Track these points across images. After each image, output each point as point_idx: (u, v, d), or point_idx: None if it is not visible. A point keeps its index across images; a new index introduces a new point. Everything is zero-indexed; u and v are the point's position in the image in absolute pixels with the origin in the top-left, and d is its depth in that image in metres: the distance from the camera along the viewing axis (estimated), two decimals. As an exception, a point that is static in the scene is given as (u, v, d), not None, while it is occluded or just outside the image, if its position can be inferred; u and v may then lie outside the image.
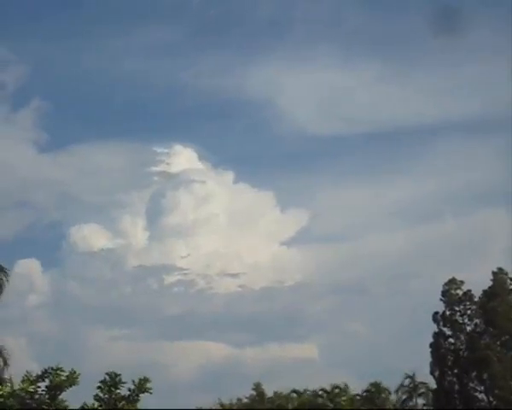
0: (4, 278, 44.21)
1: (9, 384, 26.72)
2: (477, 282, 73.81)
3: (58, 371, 25.32)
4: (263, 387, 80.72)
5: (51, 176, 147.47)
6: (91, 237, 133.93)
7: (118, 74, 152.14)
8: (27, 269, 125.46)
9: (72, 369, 25.33)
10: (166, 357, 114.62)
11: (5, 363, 42.50)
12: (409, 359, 77.89)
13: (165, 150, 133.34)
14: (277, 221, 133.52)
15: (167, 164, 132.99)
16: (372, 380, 77.46)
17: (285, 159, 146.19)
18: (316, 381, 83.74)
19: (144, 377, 24.81)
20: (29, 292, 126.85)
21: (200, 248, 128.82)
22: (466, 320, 73.69)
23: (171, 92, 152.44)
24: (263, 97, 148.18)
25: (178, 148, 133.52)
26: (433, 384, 75.46)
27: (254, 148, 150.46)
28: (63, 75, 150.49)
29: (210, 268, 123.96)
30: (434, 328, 74.17)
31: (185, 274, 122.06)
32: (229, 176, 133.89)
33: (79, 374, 25.49)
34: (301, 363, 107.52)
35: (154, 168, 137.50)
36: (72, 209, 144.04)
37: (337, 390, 77.95)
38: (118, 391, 24.71)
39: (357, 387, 78.79)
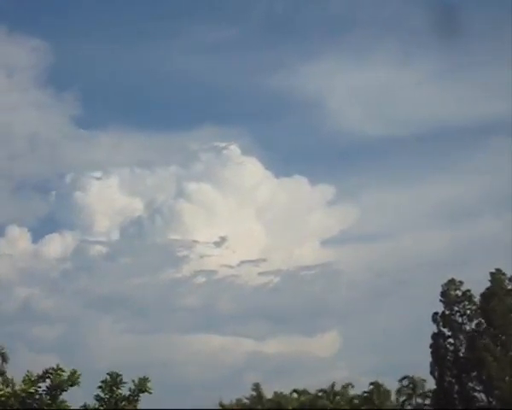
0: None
1: (11, 384, 26.87)
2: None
3: (59, 372, 25.48)
4: (278, 384, 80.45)
5: (86, 155, 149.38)
6: (116, 212, 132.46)
7: (171, 71, 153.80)
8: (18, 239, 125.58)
9: (73, 369, 25.49)
10: (180, 352, 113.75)
11: (4, 360, 42.60)
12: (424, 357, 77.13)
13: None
14: (320, 218, 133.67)
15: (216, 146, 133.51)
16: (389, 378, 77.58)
17: (333, 158, 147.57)
18: (333, 377, 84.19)
19: (144, 377, 24.98)
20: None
21: (234, 236, 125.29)
22: (465, 320, 73.94)
23: (220, 90, 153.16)
24: (314, 96, 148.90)
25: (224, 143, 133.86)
26: (432, 384, 75.69)
27: (303, 146, 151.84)
28: (115, 70, 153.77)
29: (239, 258, 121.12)
30: (433, 328, 74.55)
31: (209, 262, 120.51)
32: (275, 170, 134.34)
33: (80, 375, 25.64)
34: (319, 358, 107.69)
35: (200, 146, 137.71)
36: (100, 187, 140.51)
37: (337, 390, 78.28)
38: (119, 391, 24.88)
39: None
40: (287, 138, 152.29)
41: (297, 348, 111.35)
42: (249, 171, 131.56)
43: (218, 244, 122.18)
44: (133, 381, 24.78)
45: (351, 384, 78.28)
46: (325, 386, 77.94)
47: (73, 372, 25.07)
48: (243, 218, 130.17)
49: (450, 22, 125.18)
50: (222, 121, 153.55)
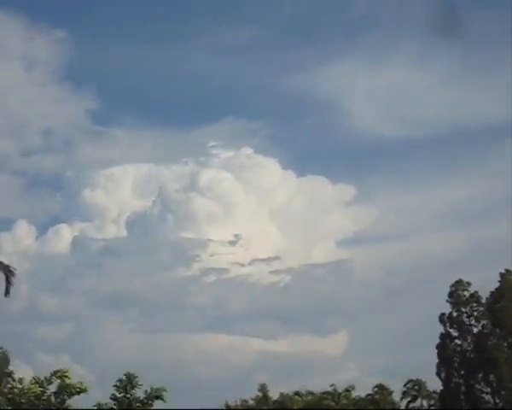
0: (12, 278, 43.72)
1: (20, 385, 26.80)
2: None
3: (65, 374, 25.46)
4: (288, 384, 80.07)
5: (101, 152, 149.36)
6: (129, 209, 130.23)
7: (190, 71, 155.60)
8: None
9: (80, 382, 25.53)
10: (189, 352, 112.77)
11: (7, 362, 42.08)
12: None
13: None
14: (337, 219, 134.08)
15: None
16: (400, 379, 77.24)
17: (350, 159, 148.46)
18: (343, 377, 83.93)
19: (163, 387, 25.12)
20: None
21: (249, 235, 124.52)
22: (473, 321, 73.57)
23: (239, 90, 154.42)
24: (332, 97, 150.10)
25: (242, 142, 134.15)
26: (439, 386, 75.40)
27: (320, 146, 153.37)
28: (134, 67, 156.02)
29: (252, 257, 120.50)
30: (436, 330, 74.27)
31: (221, 260, 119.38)
32: (293, 170, 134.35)
33: (87, 387, 25.73)
34: (330, 357, 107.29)
35: (217, 144, 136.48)
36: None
37: (341, 392, 78.01)
38: (134, 392, 24.88)
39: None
40: (304, 138, 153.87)
41: (307, 347, 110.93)
42: (266, 170, 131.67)
43: (232, 243, 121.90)
44: (151, 388, 24.76)
45: (352, 387, 78.00)
46: (332, 387, 77.60)
47: (81, 384, 25.11)
48: (259, 217, 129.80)
49: (465, 24, 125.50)
50: (239, 121, 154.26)
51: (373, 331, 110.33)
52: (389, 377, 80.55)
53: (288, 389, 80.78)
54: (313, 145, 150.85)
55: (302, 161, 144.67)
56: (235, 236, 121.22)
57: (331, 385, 77.69)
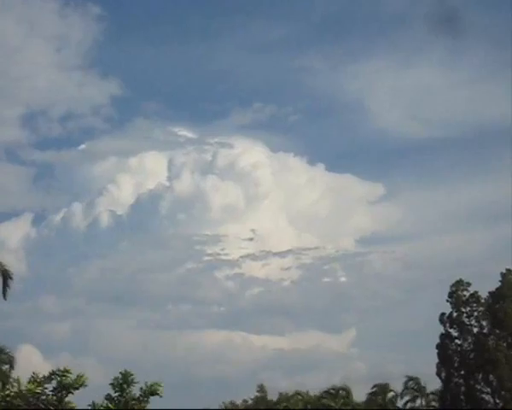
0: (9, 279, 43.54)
1: (16, 384, 26.39)
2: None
3: (65, 373, 25.01)
4: (296, 381, 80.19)
5: (120, 141, 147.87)
6: (142, 201, 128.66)
7: (216, 68, 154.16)
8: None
9: (80, 373, 25.05)
10: (195, 349, 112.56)
11: (11, 366, 41.78)
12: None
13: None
14: (359, 217, 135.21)
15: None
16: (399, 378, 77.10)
17: (376, 157, 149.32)
18: (351, 374, 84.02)
19: (157, 382, 24.61)
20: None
21: (267, 232, 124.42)
22: (473, 322, 73.39)
23: (265, 87, 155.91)
24: (357, 96, 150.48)
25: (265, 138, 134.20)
26: (439, 386, 75.18)
27: (346, 144, 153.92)
28: (163, 61, 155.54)
29: (266, 253, 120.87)
30: (441, 329, 74.02)
31: (233, 255, 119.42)
32: (320, 168, 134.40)
33: (87, 378, 25.22)
34: (340, 354, 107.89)
35: (237, 134, 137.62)
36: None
37: (341, 392, 77.89)
38: (129, 390, 24.48)
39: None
40: (330, 135, 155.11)
41: (315, 344, 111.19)
42: (292, 165, 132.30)
43: (247, 239, 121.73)
44: (146, 383, 24.29)
45: (346, 390, 77.91)
46: (333, 386, 77.65)
47: (80, 376, 24.58)
48: (279, 212, 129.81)
49: (492, 25, 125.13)
50: (265, 113, 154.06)
51: (383, 329, 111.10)
52: (393, 375, 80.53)
53: (294, 386, 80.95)
54: (339, 142, 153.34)
55: (328, 157, 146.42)
56: (252, 230, 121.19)
57: (328, 389, 77.77)
